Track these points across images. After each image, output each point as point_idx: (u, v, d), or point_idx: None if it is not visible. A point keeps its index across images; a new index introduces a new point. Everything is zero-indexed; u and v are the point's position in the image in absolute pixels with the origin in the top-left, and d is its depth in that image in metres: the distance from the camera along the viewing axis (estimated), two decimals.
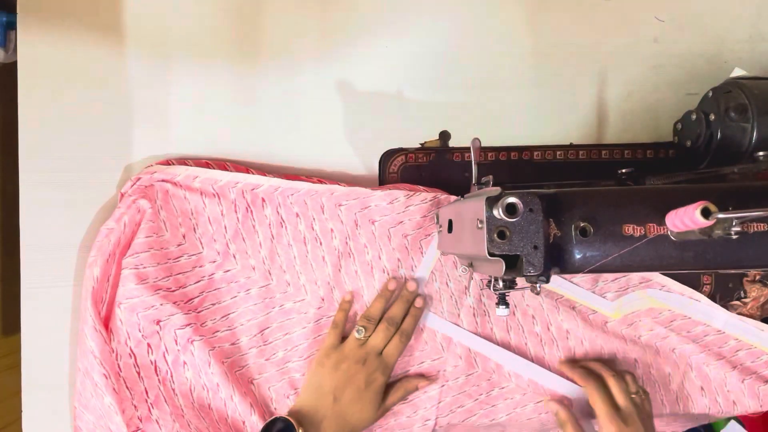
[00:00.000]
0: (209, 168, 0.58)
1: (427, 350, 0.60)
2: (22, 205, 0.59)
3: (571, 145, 0.64)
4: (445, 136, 0.63)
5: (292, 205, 0.59)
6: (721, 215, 0.33)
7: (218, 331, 0.57)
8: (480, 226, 0.39)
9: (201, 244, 0.58)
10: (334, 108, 0.63)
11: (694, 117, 0.57)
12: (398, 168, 0.63)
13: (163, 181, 0.57)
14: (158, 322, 0.55)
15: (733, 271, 0.60)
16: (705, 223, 0.33)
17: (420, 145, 0.63)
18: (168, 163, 0.58)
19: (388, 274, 0.59)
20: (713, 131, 0.54)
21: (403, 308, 0.58)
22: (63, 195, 0.59)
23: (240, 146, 0.62)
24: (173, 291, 0.56)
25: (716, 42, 0.66)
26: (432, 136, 0.63)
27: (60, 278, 0.58)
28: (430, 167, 0.63)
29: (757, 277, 0.59)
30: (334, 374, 0.54)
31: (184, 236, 0.57)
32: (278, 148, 0.62)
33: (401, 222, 0.59)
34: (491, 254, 0.38)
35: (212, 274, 0.58)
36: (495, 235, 0.38)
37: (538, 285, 0.40)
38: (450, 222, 0.51)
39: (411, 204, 0.59)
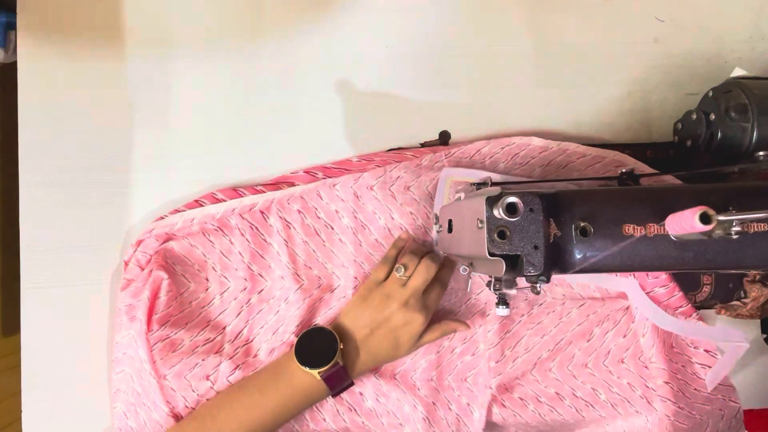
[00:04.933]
0: (200, 207, 0.59)
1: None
2: (22, 205, 0.59)
3: None
4: (445, 136, 0.63)
5: (291, 205, 0.59)
6: (720, 218, 0.33)
7: (274, 349, 0.57)
8: (480, 225, 0.39)
9: (226, 278, 0.59)
10: (334, 108, 0.63)
11: (694, 117, 0.57)
12: None
13: (165, 241, 0.58)
14: (207, 377, 0.55)
15: (733, 271, 0.60)
16: (704, 228, 0.33)
17: (420, 145, 0.63)
18: (161, 218, 0.59)
19: (408, 230, 0.59)
20: (713, 131, 0.54)
21: (439, 255, 0.58)
22: (63, 195, 0.59)
23: (239, 147, 0.62)
24: (213, 339, 0.57)
25: (716, 42, 0.66)
26: (432, 136, 0.63)
27: (60, 278, 0.59)
28: None
29: (758, 278, 0.59)
30: (374, 311, 0.54)
31: (207, 279, 0.58)
32: (278, 148, 0.62)
33: (399, 177, 0.59)
34: (491, 254, 0.38)
35: (248, 301, 0.58)
36: (495, 235, 0.38)
37: (538, 285, 0.40)
38: (450, 222, 0.51)
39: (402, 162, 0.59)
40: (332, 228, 0.59)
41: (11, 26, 0.61)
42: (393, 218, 0.59)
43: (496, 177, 0.58)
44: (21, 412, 0.58)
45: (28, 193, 0.59)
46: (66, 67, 0.60)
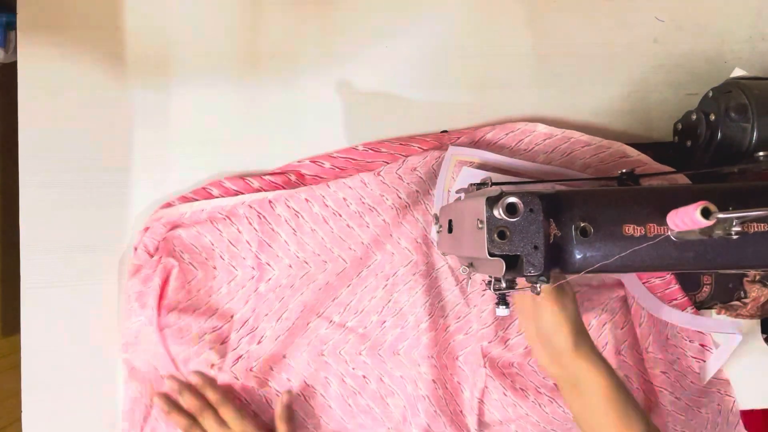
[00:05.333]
0: (209, 195, 0.59)
1: None
2: (22, 205, 0.59)
3: None
4: None
5: (299, 194, 0.60)
6: (721, 215, 0.33)
7: (279, 336, 0.58)
8: (480, 226, 0.39)
9: (234, 267, 0.59)
10: (335, 108, 0.63)
11: (694, 117, 0.57)
12: None
13: (172, 228, 0.58)
14: (212, 367, 0.56)
15: (733, 271, 0.60)
16: (705, 223, 0.33)
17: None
18: (170, 205, 0.59)
19: (410, 207, 0.60)
20: (713, 131, 0.54)
21: (212, 394, 0.55)
22: (63, 195, 0.59)
23: (240, 146, 0.62)
24: (220, 327, 0.58)
25: (716, 42, 0.66)
26: None
27: (60, 278, 0.58)
28: None
29: (757, 277, 0.59)
30: None
31: (215, 267, 0.59)
32: (278, 148, 0.62)
33: (405, 160, 0.60)
34: (491, 254, 0.38)
35: (256, 290, 0.59)
36: (495, 235, 0.38)
37: (538, 285, 0.40)
38: (450, 222, 0.51)
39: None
40: (341, 216, 0.60)
41: (11, 26, 0.61)
42: (399, 197, 0.59)
43: (499, 160, 0.58)
44: (21, 412, 0.58)
45: (28, 193, 0.59)
46: (66, 67, 0.60)
